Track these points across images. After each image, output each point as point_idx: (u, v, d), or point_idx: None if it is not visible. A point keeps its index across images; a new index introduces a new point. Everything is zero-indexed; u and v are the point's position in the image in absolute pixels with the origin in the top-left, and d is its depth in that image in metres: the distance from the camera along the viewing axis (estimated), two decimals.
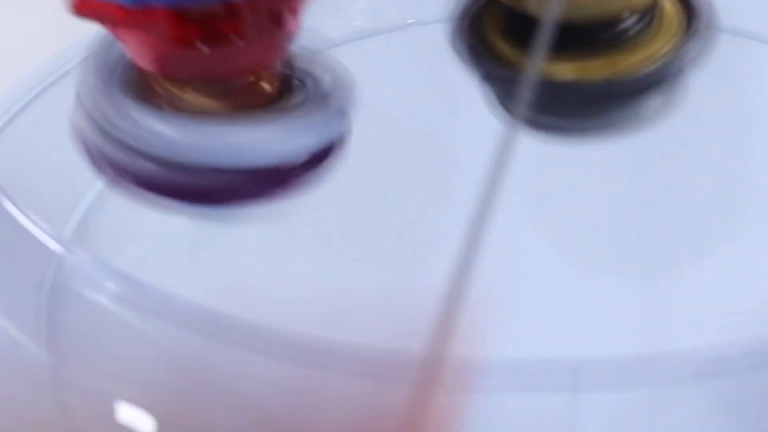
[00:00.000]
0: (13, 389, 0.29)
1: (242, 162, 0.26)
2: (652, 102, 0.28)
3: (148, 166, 0.27)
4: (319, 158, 0.28)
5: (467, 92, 0.30)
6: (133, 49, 0.26)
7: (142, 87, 0.27)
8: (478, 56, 0.28)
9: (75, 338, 0.28)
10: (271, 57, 0.26)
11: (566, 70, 0.27)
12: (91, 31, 0.29)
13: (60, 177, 0.34)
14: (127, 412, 0.27)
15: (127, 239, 0.33)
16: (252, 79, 0.27)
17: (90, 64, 0.28)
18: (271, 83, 0.27)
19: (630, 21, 0.27)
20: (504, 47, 0.28)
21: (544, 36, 0.23)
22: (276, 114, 0.27)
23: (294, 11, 0.25)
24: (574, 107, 0.28)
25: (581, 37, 0.27)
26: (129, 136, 0.27)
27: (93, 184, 0.34)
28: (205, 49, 0.25)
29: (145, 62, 0.26)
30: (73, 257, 0.29)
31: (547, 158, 0.33)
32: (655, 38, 0.27)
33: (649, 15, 0.28)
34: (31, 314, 0.30)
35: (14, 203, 0.29)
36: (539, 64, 0.24)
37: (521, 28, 0.26)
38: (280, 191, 0.28)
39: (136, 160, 0.27)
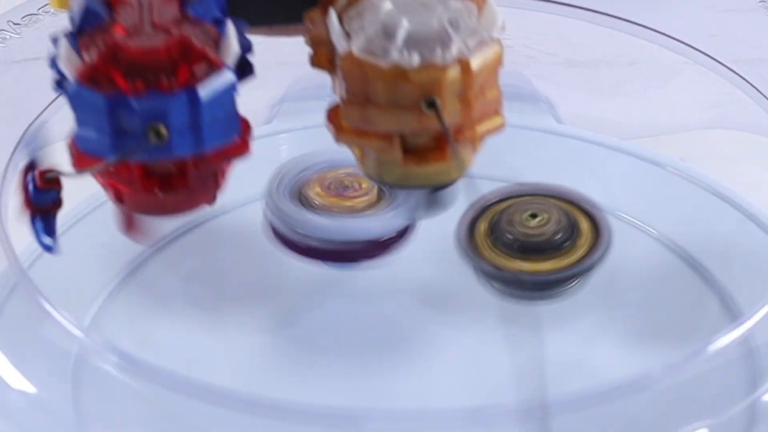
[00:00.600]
0: None
1: (361, 237, 0.46)
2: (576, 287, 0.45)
3: (312, 242, 0.45)
4: (401, 234, 0.46)
5: None
6: (113, 195, 0.38)
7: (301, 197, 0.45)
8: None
9: (93, 398, 0.42)
10: (207, 200, 0.39)
11: (526, 267, 0.45)
12: None
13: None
14: None
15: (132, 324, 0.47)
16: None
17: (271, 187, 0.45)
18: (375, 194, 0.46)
19: (561, 238, 0.45)
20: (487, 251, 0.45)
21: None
22: (378, 209, 0.45)
23: (223, 173, 0.39)
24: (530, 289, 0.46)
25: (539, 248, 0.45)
26: (298, 225, 0.45)
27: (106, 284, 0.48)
28: (161, 195, 0.38)
29: (123, 203, 0.39)
30: (90, 340, 0.42)
31: None
32: (576, 248, 0.45)
33: (573, 233, 0.45)
34: (59, 381, 0.42)
35: (48, 301, 0.41)
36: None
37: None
38: (382, 254, 0.45)
39: (304, 239, 0.45)
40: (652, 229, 0.50)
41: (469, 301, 0.47)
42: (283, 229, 0.45)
